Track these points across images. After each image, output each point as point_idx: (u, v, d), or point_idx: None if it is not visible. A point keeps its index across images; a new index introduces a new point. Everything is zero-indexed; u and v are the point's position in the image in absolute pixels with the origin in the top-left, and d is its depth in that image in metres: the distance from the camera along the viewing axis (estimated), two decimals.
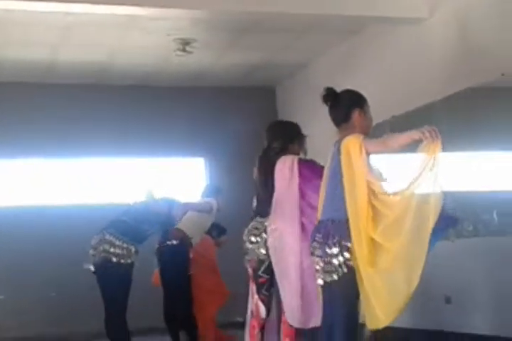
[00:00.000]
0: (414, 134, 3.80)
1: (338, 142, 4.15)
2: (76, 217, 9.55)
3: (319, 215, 4.21)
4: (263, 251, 5.20)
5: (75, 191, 10.15)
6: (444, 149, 7.21)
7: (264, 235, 5.21)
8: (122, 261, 5.83)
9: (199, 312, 7.15)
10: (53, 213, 9.78)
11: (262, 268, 5.24)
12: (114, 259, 5.84)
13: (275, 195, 5.09)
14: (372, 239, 3.83)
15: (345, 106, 4.31)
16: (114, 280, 5.91)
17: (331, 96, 4.35)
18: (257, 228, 5.31)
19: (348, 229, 3.90)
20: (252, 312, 5.39)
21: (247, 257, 5.35)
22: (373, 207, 3.87)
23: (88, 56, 8.97)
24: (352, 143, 3.98)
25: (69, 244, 9.38)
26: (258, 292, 5.31)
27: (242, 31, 8.32)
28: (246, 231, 5.38)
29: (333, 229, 3.98)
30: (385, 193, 3.88)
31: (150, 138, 10.17)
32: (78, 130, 9.96)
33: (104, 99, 10.15)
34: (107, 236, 5.92)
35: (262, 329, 5.34)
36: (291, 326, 5.11)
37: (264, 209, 5.27)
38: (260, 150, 5.57)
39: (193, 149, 10.49)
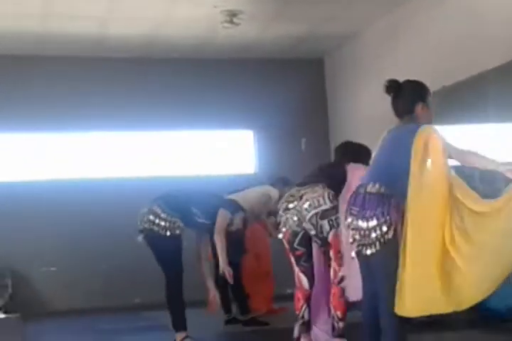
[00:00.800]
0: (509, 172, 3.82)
1: (401, 128, 4.20)
2: (128, 189, 9.63)
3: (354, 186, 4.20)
4: (295, 219, 5.20)
5: (127, 164, 10.23)
6: (494, 120, 7.11)
7: (297, 203, 5.20)
8: (167, 233, 5.82)
9: (252, 287, 7.24)
10: (104, 186, 9.88)
11: (297, 241, 5.26)
12: (158, 230, 5.85)
13: None
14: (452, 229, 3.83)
15: (408, 99, 4.31)
16: (161, 251, 5.94)
17: (394, 88, 4.34)
18: (292, 195, 5.31)
19: (390, 204, 3.92)
20: (295, 284, 5.41)
21: (281, 227, 5.33)
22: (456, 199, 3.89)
23: (134, 29, 8.98)
24: (434, 138, 3.97)
25: (120, 216, 9.45)
26: (297, 264, 5.32)
27: (287, 2, 8.24)
28: (282, 199, 5.40)
29: (373, 202, 3.97)
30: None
31: (198, 111, 10.17)
32: (126, 103, 10.01)
33: (151, 72, 10.16)
34: (155, 207, 5.92)
35: (308, 300, 5.36)
36: (341, 298, 5.14)
37: (305, 181, 5.31)
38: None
39: (241, 122, 10.46)
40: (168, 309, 5.92)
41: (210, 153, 10.49)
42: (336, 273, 5.17)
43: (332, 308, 5.25)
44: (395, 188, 3.98)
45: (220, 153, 10.53)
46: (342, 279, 5.14)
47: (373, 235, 3.93)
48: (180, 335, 5.76)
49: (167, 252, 5.89)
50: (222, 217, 6.07)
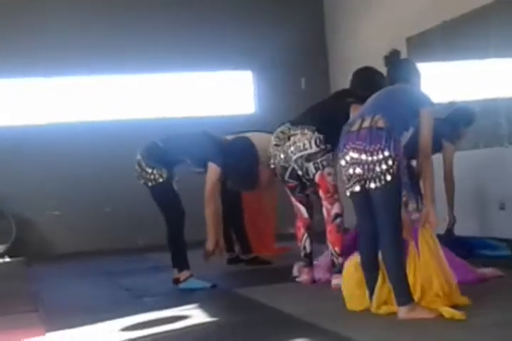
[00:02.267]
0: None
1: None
2: (129, 131, 9.64)
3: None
4: (282, 157, 5.35)
5: (127, 106, 10.22)
6: (495, 55, 7.03)
7: (283, 143, 5.34)
8: (149, 183, 5.87)
9: (252, 227, 7.29)
10: (106, 128, 9.90)
11: (287, 174, 5.43)
12: (144, 181, 5.90)
13: None
14: None
15: (407, 70, 4.50)
16: (154, 198, 5.98)
17: (394, 58, 4.53)
18: (283, 132, 5.42)
19: (395, 139, 3.95)
20: (295, 213, 5.60)
21: (271, 162, 5.50)
22: None
23: None
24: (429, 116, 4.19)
25: (122, 159, 9.44)
26: (293, 195, 5.55)
27: None
28: (274, 133, 5.50)
29: (379, 137, 3.97)
30: None
31: (195, 53, 10.08)
32: (123, 45, 9.91)
33: (146, 9, 10.03)
34: (138, 157, 5.96)
35: (308, 230, 5.53)
36: (337, 234, 5.25)
37: (298, 120, 5.40)
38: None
39: (240, 62, 10.37)
40: (170, 250, 5.95)
41: (209, 94, 10.43)
42: (328, 211, 5.30)
43: (329, 244, 5.35)
44: (396, 125, 4.02)
45: (220, 94, 10.48)
46: (336, 216, 5.28)
47: (378, 169, 3.94)
48: (184, 274, 5.81)
49: (158, 199, 5.96)
50: (211, 173, 5.86)
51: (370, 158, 3.96)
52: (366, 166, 3.99)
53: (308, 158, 5.26)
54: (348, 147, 4.09)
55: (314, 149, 5.23)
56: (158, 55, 9.96)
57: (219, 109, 10.33)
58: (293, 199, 5.58)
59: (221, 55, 10.15)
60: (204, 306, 5.00)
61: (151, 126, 8.86)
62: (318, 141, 5.22)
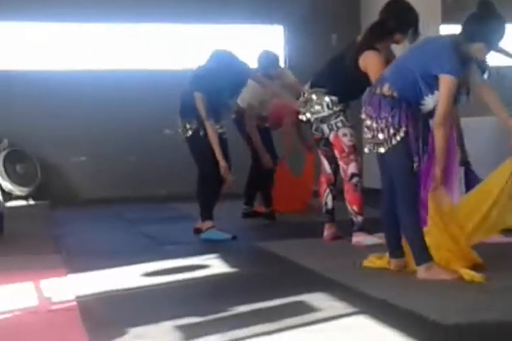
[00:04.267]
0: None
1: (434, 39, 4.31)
2: (157, 83, 9.62)
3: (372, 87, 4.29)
4: (309, 115, 5.44)
5: (155, 57, 10.17)
6: None
7: (306, 107, 5.44)
8: (184, 136, 6.01)
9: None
10: (135, 78, 9.85)
11: (313, 127, 5.52)
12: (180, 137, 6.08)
13: None
14: None
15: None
16: (191, 148, 6.05)
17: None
18: (303, 95, 5.50)
19: (401, 108, 4.04)
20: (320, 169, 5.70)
21: (300, 116, 5.60)
22: None
23: None
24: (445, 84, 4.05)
25: (150, 109, 9.53)
26: (318, 147, 5.65)
27: None
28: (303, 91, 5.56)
29: (385, 105, 4.08)
30: None
31: (227, 5, 9.97)
32: None
33: None
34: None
35: (330, 185, 5.59)
36: (355, 193, 5.34)
37: (315, 81, 5.45)
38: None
39: (271, 16, 10.27)
40: (198, 200, 5.99)
41: (239, 47, 10.34)
42: (345, 171, 5.40)
43: (347, 203, 5.41)
44: (408, 94, 4.08)
45: (250, 48, 10.39)
46: (353, 175, 5.36)
47: (380, 136, 4.11)
48: (206, 224, 5.87)
49: (192, 150, 6.06)
50: (197, 103, 5.86)
51: (375, 125, 4.12)
52: (372, 132, 4.16)
53: (323, 120, 5.41)
54: (365, 110, 4.23)
55: (327, 112, 5.37)
56: (185, 4, 9.84)
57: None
58: (319, 152, 5.66)
59: (252, 8, 10.03)
60: (224, 257, 5.06)
61: (177, 78, 8.82)
62: (330, 104, 5.36)
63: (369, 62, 5.11)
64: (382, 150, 4.14)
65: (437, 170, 4.13)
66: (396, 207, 4.19)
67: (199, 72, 6.06)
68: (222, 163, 5.84)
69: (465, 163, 5.92)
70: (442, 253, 4.18)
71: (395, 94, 4.08)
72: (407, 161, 4.10)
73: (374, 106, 4.13)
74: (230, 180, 5.94)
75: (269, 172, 7.04)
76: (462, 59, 4.04)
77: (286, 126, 7.28)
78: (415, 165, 4.12)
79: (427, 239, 4.12)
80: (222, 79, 5.84)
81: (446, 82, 4.00)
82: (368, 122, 4.17)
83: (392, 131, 4.05)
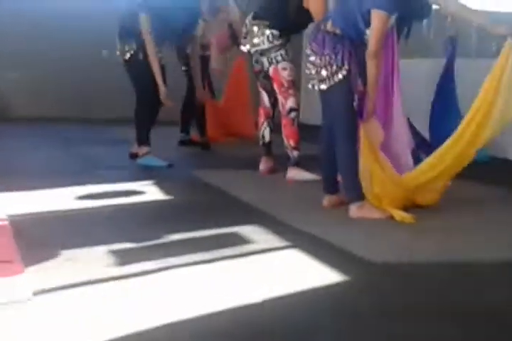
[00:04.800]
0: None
1: None
2: (97, 2, 9.38)
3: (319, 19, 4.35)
4: (248, 47, 5.44)
5: None
6: None
7: (247, 38, 5.42)
8: (122, 59, 5.90)
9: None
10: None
11: (254, 58, 5.55)
12: (120, 59, 5.95)
13: None
14: None
15: None
16: (129, 71, 5.98)
17: None
18: (246, 26, 5.48)
19: (344, 45, 4.07)
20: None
21: (241, 47, 5.60)
22: None
23: None
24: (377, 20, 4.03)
25: (90, 28, 9.30)
26: (257, 79, 5.66)
27: None
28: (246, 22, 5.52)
29: (329, 42, 4.10)
30: None
31: None
32: None
33: None
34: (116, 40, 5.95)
35: (268, 118, 5.64)
36: (292, 127, 5.37)
37: (257, 13, 5.41)
38: None
39: None
40: (135, 124, 5.94)
41: None
42: (283, 105, 5.43)
43: (284, 138, 5.44)
44: (349, 31, 4.10)
45: None
46: (291, 110, 5.39)
47: (323, 73, 4.13)
48: (142, 150, 5.84)
49: (131, 73, 5.96)
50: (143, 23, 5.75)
51: (318, 61, 4.13)
52: (316, 68, 4.16)
53: (262, 52, 5.40)
54: (310, 46, 4.23)
55: (267, 45, 5.36)
56: None
57: None
58: (258, 84, 5.66)
59: None
60: (159, 184, 5.06)
61: None
62: (271, 37, 5.34)
63: (312, 1, 5.16)
64: (324, 86, 4.16)
65: (369, 103, 4.16)
66: (334, 144, 4.24)
67: None
68: (162, 87, 5.77)
69: None
70: (375, 189, 4.21)
71: (338, 31, 4.10)
72: (348, 98, 4.14)
73: (318, 43, 4.14)
74: (170, 106, 5.88)
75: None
76: None
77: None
78: (355, 103, 4.16)
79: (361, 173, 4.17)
80: (174, 8, 5.74)
81: (377, 17, 3.97)
82: (312, 58, 4.18)
83: (334, 68, 4.08)
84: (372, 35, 4.00)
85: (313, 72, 4.19)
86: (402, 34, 4.35)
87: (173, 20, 5.80)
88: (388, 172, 4.20)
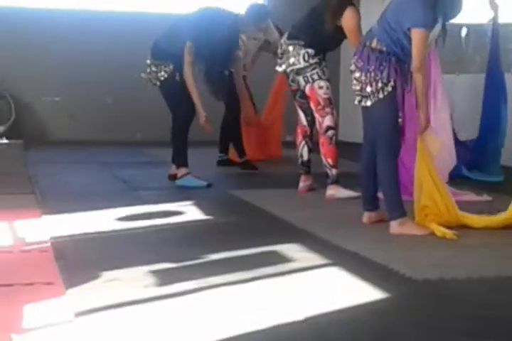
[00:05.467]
0: None
1: None
2: (134, 25, 9.50)
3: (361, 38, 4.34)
4: (284, 67, 5.48)
5: None
6: None
7: (283, 59, 5.46)
8: (157, 82, 5.95)
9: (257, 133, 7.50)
10: (114, 19, 9.72)
11: (290, 78, 5.52)
12: (153, 80, 5.99)
13: None
14: None
15: None
16: (164, 93, 6.01)
17: None
18: (281, 47, 5.52)
19: (390, 62, 4.09)
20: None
21: (276, 68, 5.61)
22: None
23: None
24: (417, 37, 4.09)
25: (130, 52, 9.40)
26: (294, 99, 5.67)
27: None
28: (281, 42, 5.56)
29: (374, 58, 4.12)
30: None
31: None
32: None
33: None
34: (148, 59, 6.00)
35: (306, 137, 5.64)
36: (330, 146, 5.37)
37: (292, 33, 5.45)
38: None
39: None
40: (172, 146, 5.99)
41: None
42: (320, 123, 5.43)
43: (322, 156, 5.44)
44: (395, 48, 4.12)
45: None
46: (328, 128, 5.39)
47: (368, 89, 4.14)
48: (181, 171, 5.86)
49: (166, 95, 6.01)
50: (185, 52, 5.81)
51: (363, 78, 4.14)
52: (361, 85, 4.17)
53: (298, 72, 5.42)
54: (355, 62, 4.23)
55: (303, 64, 5.38)
56: None
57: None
58: (295, 104, 5.68)
59: None
60: (199, 204, 5.07)
61: (158, 21, 8.69)
62: (306, 56, 5.36)
63: (347, 19, 5.23)
64: (368, 103, 4.17)
65: (421, 115, 4.16)
66: (375, 160, 4.23)
67: (192, 22, 5.91)
68: (201, 111, 5.82)
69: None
70: (423, 201, 4.18)
71: (384, 49, 4.12)
72: (392, 115, 4.15)
73: (363, 59, 4.16)
74: (208, 131, 5.93)
75: (237, 121, 7.02)
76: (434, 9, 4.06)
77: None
78: (400, 119, 4.17)
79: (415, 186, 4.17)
80: (217, 42, 5.81)
81: (416, 35, 4.04)
82: (357, 74, 4.19)
83: (380, 84, 4.09)
84: (414, 51, 4.04)
85: (358, 88, 4.20)
86: (439, 41, 4.38)
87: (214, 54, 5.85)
88: (442, 191, 4.20)
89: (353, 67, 4.24)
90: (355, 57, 4.23)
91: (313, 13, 5.47)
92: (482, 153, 6.31)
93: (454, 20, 4.39)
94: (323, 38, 5.36)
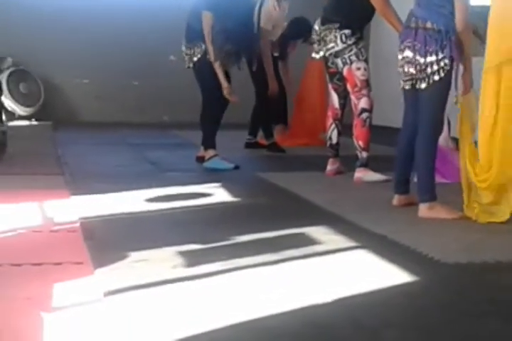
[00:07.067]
0: None
1: None
2: (164, 7, 9.50)
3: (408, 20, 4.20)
4: (322, 53, 5.47)
5: None
6: None
7: (321, 44, 5.44)
8: (190, 64, 5.93)
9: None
10: (142, 1, 9.72)
11: (330, 61, 5.49)
12: (187, 62, 5.97)
13: None
14: None
15: None
16: (196, 75, 5.98)
17: None
18: (317, 34, 5.47)
19: (450, 40, 4.01)
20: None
21: (313, 55, 5.60)
22: None
23: None
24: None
25: (157, 34, 9.41)
26: (331, 81, 5.63)
27: None
28: (316, 29, 5.51)
29: (434, 39, 4.03)
30: None
31: None
32: None
33: None
34: (183, 46, 6.01)
35: (336, 120, 5.60)
36: (363, 129, 5.32)
37: (325, 17, 5.43)
38: None
39: None
40: (201, 128, 5.98)
41: None
42: (355, 105, 5.38)
43: (354, 138, 5.40)
44: (453, 23, 4.04)
45: None
46: (363, 111, 5.34)
47: (429, 70, 4.05)
48: (209, 153, 5.86)
49: (198, 76, 5.98)
50: (204, 22, 5.74)
51: (423, 60, 4.06)
52: (419, 67, 4.08)
53: (336, 54, 5.39)
54: (405, 44, 4.16)
55: (341, 46, 5.35)
56: None
57: None
58: (330, 86, 5.64)
59: None
60: (226, 186, 5.07)
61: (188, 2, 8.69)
62: (344, 38, 5.33)
63: None
64: (423, 85, 4.09)
65: (467, 75, 4.10)
66: (414, 143, 4.19)
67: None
68: (225, 84, 5.78)
69: None
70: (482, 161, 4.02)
71: (442, 28, 4.03)
72: (443, 98, 4.13)
73: (421, 40, 4.07)
74: (235, 101, 5.88)
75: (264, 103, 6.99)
76: None
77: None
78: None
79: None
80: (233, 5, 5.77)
81: None
82: (413, 56, 4.09)
83: (442, 64, 4.02)
84: (458, 9, 4.00)
85: (412, 70, 4.11)
86: None
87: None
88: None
89: (407, 51, 4.13)
90: (408, 39, 4.12)
91: None
92: None
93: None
94: (357, 16, 5.31)
